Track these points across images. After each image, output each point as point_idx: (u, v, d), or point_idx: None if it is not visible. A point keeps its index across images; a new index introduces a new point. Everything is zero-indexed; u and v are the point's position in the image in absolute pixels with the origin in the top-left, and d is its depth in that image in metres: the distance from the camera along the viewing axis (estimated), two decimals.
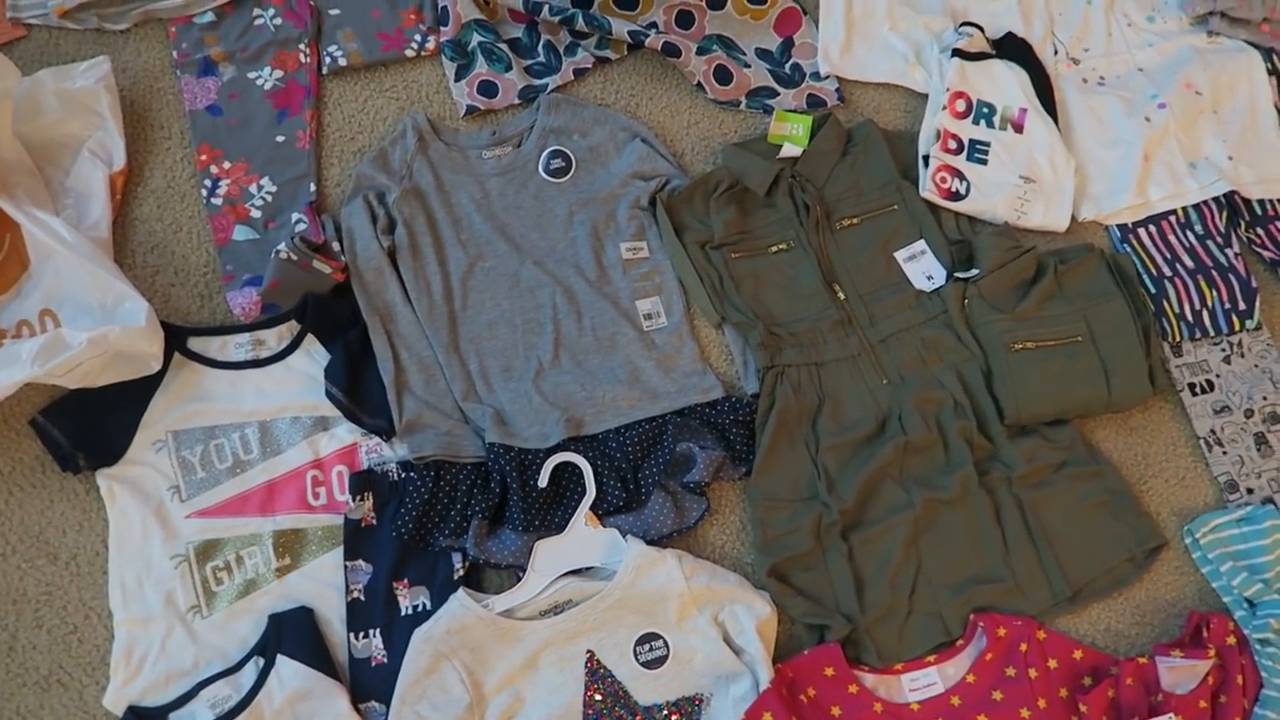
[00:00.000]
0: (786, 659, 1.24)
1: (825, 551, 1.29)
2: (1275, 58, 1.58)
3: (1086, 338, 1.38)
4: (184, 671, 1.18)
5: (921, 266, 1.44)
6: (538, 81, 1.49)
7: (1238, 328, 1.43)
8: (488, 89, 1.47)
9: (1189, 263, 1.47)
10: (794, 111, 1.50)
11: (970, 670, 1.26)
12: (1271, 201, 1.52)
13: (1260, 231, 1.51)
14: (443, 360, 1.33)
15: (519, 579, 1.24)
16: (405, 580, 1.24)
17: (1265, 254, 1.49)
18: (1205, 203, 1.50)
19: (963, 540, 1.31)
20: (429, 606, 1.24)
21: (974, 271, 1.41)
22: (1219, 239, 1.48)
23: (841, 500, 1.30)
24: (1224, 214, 1.49)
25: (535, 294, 1.38)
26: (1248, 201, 1.52)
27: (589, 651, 1.22)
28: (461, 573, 1.24)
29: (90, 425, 1.25)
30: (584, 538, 1.26)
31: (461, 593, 1.22)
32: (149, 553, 1.22)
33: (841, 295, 1.41)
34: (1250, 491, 1.38)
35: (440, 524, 1.24)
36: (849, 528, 1.31)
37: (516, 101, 1.47)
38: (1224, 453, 1.39)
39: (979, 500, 1.32)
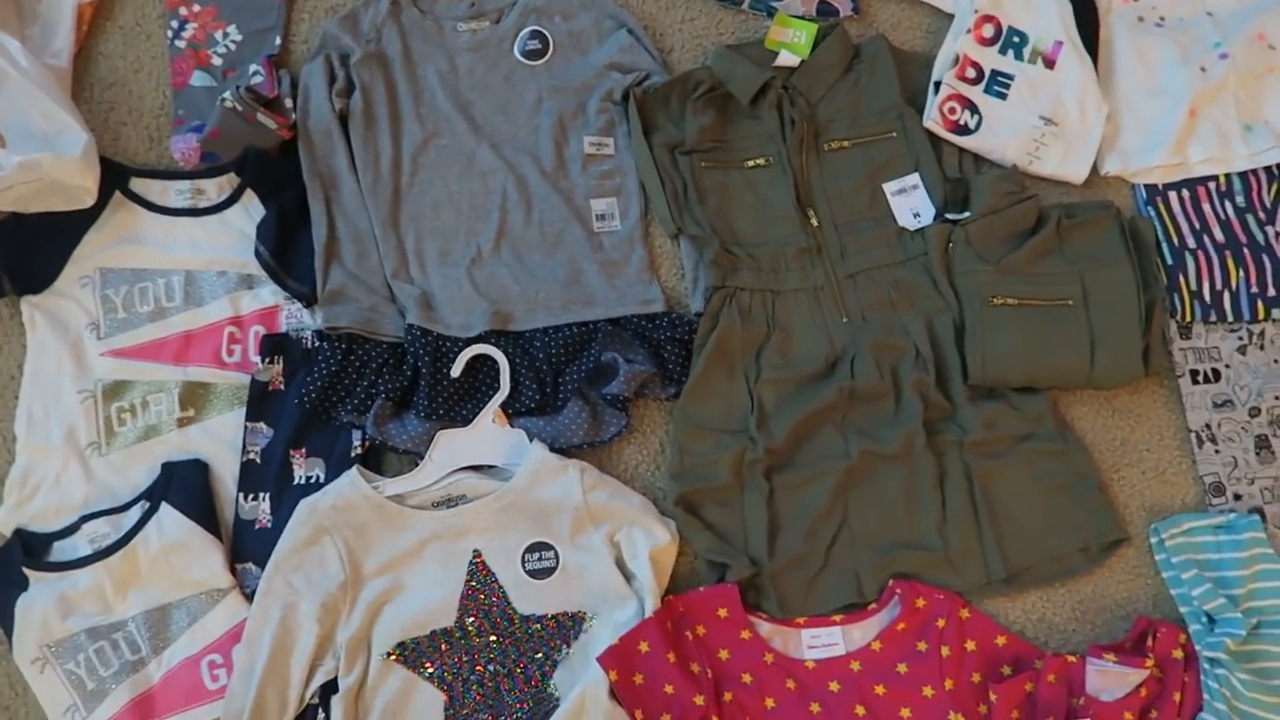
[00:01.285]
0: (683, 593, 1.17)
1: (744, 489, 1.21)
2: None
3: (1079, 303, 1.23)
4: (73, 506, 1.18)
5: (910, 202, 1.31)
6: None
7: (1262, 316, 1.26)
8: None
9: (1219, 236, 1.30)
10: (799, 18, 1.37)
11: (878, 637, 1.17)
12: None
13: None
14: (379, 234, 1.27)
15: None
16: (303, 450, 1.21)
17: None
18: (1254, 172, 1.32)
19: (897, 500, 1.21)
20: (322, 479, 1.20)
21: (966, 215, 1.27)
22: (1262, 214, 1.30)
23: (771, 438, 1.21)
24: (1274, 187, 1.31)
25: (487, 179, 1.30)
26: None
27: (476, 551, 1.17)
28: (360, 451, 1.20)
29: (22, 251, 1.24)
30: (488, 434, 1.20)
31: (354, 471, 1.18)
32: (59, 385, 1.22)
33: (814, 222, 1.30)
34: (1238, 498, 1.23)
35: (345, 398, 1.20)
36: (775, 468, 1.21)
37: None
38: (1216, 451, 1.24)
39: (922, 461, 1.21)
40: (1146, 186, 1.33)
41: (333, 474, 1.20)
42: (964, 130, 1.31)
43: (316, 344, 1.23)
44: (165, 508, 1.16)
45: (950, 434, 1.23)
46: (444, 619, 1.15)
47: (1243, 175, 1.32)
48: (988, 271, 1.24)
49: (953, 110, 1.32)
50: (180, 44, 1.35)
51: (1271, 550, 1.18)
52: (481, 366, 1.23)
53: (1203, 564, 1.18)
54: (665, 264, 1.31)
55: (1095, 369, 1.21)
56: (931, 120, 1.31)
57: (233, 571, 1.16)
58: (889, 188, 1.32)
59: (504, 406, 1.21)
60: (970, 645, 1.16)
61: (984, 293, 1.23)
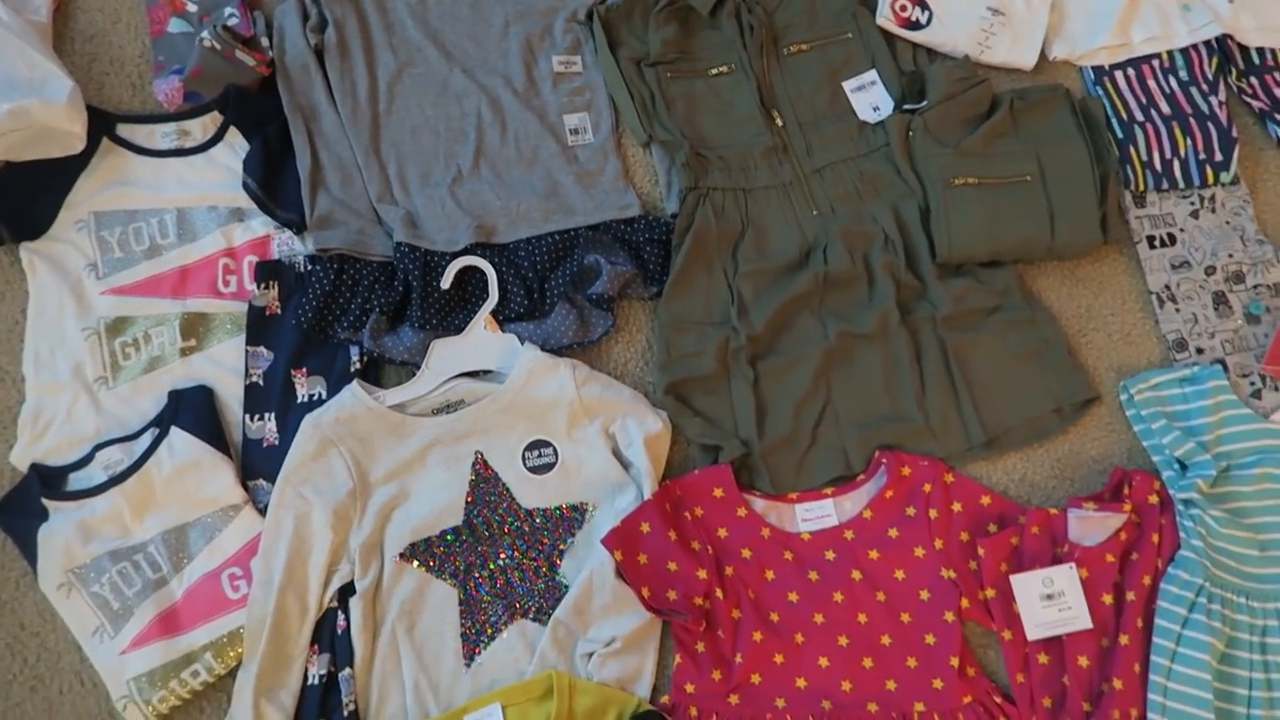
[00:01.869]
0: (679, 477, 1.22)
1: (730, 377, 1.26)
2: None
3: (1036, 178, 1.29)
4: (85, 437, 1.22)
5: (869, 98, 1.36)
6: None
7: (1211, 180, 1.32)
8: None
9: (1166, 109, 1.35)
10: None
11: (868, 506, 1.22)
12: (1270, 51, 1.39)
13: (1254, 81, 1.38)
14: (361, 161, 1.32)
15: None
16: (304, 369, 1.25)
17: (1255, 104, 1.36)
18: (1195, 48, 1.38)
19: (876, 377, 1.26)
20: (324, 396, 1.25)
21: (923, 104, 1.33)
22: (1205, 86, 1.36)
23: (752, 327, 1.26)
24: (1214, 60, 1.37)
25: (461, 102, 1.35)
26: (1244, 50, 1.39)
27: (477, 452, 1.22)
28: (358, 366, 1.25)
29: (17, 200, 1.28)
30: (481, 341, 1.25)
31: (355, 384, 1.22)
32: (63, 325, 1.26)
33: (779, 122, 1.35)
34: (1200, 352, 1.29)
35: (340, 316, 1.24)
36: (758, 355, 1.27)
37: None
38: (1176, 310, 1.30)
39: (898, 338, 1.26)
40: (1094, 68, 1.39)
41: (334, 390, 1.24)
42: (915, 26, 1.37)
43: (309, 267, 1.27)
44: (175, 431, 1.20)
45: (923, 311, 1.28)
46: (452, 519, 1.19)
47: (1184, 51, 1.38)
48: (947, 155, 1.29)
49: (904, 8, 1.37)
50: None
51: (1235, 397, 1.24)
52: (470, 278, 1.28)
53: (1171, 415, 1.24)
54: (639, 172, 1.36)
55: (1056, 239, 1.27)
56: (884, 18, 1.37)
57: (245, 489, 1.20)
58: (848, 85, 1.37)
59: (494, 313, 1.26)
60: (956, 506, 1.21)
61: (945, 175, 1.29)
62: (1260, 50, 1.39)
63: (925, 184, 1.30)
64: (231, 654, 1.13)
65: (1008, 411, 1.25)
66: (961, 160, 1.29)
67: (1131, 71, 1.38)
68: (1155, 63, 1.38)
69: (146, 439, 1.21)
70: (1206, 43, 1.38)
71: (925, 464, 1.23)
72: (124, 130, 1.33)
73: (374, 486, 1.20)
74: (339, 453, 1.20)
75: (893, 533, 1.21)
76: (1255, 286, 1.30)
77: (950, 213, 1.27)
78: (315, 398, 1.25)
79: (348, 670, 1.13)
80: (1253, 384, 1.26)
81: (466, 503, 1.20)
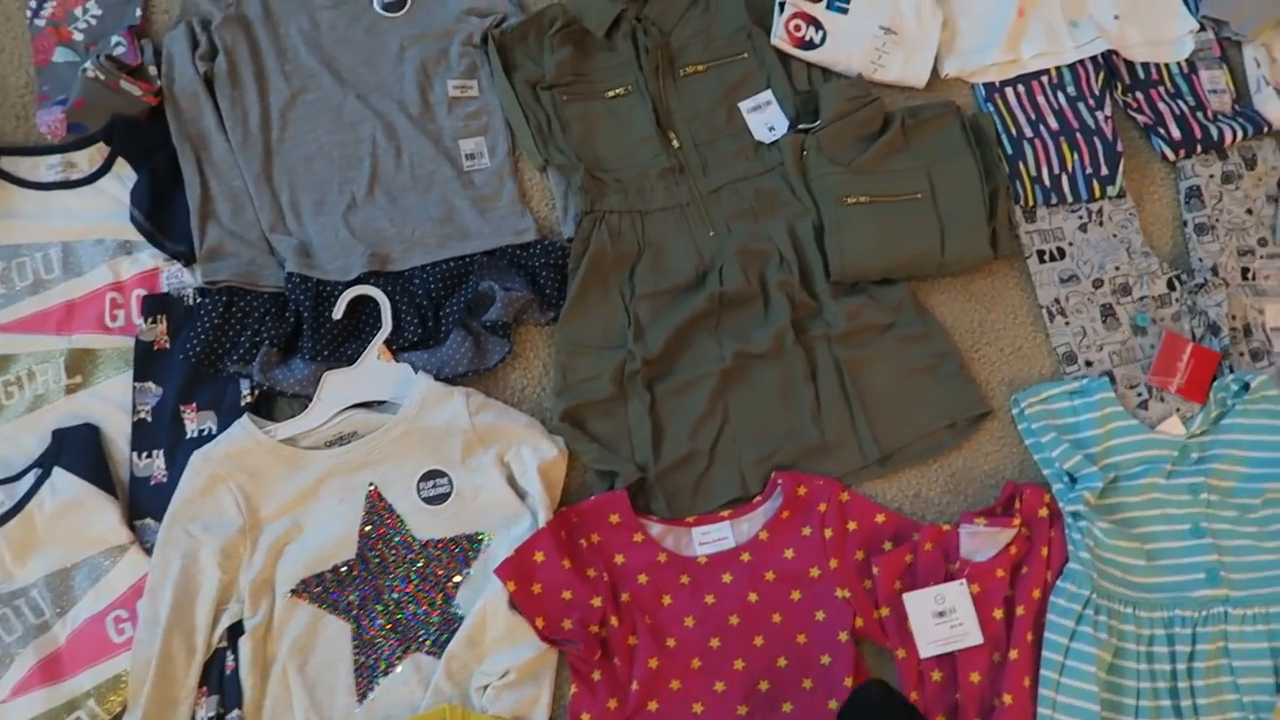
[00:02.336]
0: (575, 504, 1.22)
1: (627, 400, 1.26)
2: None
3: (927, 195, 1.30)
4: None
5: (765, 117, 1.37)
6: None
7: (1098, 194, 1.35)
8: None
9: (1054, 124, 1.38)
10: None
11: (764, 527, 1.23)
12: (1156, 66, 1.42)
13: (1139, 95, 1.40)
14: (253, 190, 1.30)
15: None
16: (193, 404, 1.23)
17: (1140, 118, 1.39)
18: (1082, 63, 1.40)
19: (773, 396, 1.27)
20: (215, 431, 1.23)
21: (817, 124, 1.34)
22: (1091, 101, 1.38)
23: (648, 349, 1.26)
24: (1100, 75, 1.39)
25: (356, 129, 1.34)
26: (1130, 65, 1.42)
27: (371, 484, 1.21)
28: (250, 399, 1.23)
29: None
30: (374, 371, 1.24)
31: (245, 418, 1.20)
32: None
33: (676, 143, 1.35)
34: (1089, 364, 1.31)
35: (230, 349, 1.23)
36: (655, 378, 1.27)
37: None
38: (1066, 323, 1.32)
39: (794, 356, 1.27)
40: (985, 85, 1.40)
41: (224, 425, 1.22)
42: (810, 45, 1.38)
43: (198, 300, 1.25)
44: (57, 471, 1.18)
45: (818, 330, 1.29)
46: (345, 552, 1.18)
47: (1072, 67, 1.40)
48: (839, 173, 1.30)
49: (798, 27, 1.38)
50: (40, 22, 1.36)
51: (1122, 408, 1.26)
52: (364, 307, 1.27)
53: (1061, 428, 1.26)
54: (537, 195, 1.36)
55: (946, 254, 1.28)
56: (779, 38, 1.37)
57: (132, 528, 1.18)
58: (744, 105, 1.38)
59: (388, 343, 1.25)
60: (852, 525, 1.22)
61: (838, 193, 1.30)
62: (1145, 65, 1.42)
63: (819, 202, 1.31)
64: (115, 699, 1.11)
65: (902, 427, 1.26)
66: (854, 179, 1.30)
67: (1021, 88, 1.40)
68: (1044, 79, 1.40)
69: (29, 479, 1.18)
70: (1094, 58, 1.40)
71: (821, 483, 1.23)
72: (7, 163, 1.30)
73: (265, 522, 1.18)
74: (228, 489, 1.18)
75: (789, 553, 1.21)
76: (1141, 298, 1.32)
77: (843, 231, 1.28)
78: (205, 433, 1.23)
79: (236, 712, 1.11)
80: (1140, 395, 1.29)
81: (360, 535, 1.19)
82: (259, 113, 1.33)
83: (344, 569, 1.17)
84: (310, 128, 1.33)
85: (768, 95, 1.38)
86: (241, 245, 1.27)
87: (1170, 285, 1.33)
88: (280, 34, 1.37)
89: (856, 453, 1.25)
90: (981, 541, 1.20)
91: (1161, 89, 1.41)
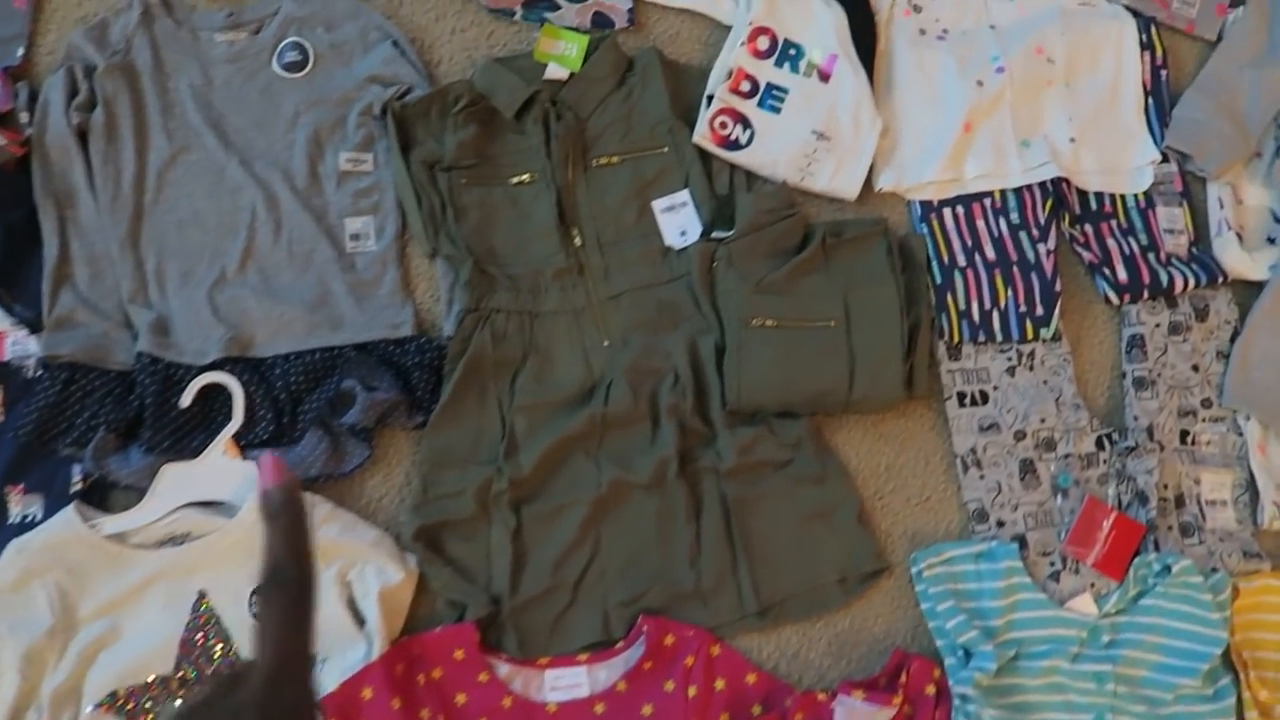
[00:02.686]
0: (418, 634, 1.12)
1: (491, 522, 1.16)
2: (1154, 29, 1.35)
3: (840, 324, 1.19)
4: None
5: (678, 220, 1.27)
6: None
7: (1030, 335, 1.23)
8: None
9: (990, 254, 1.27)
10: (572, 29, 1.32)
11: (624, 677, 1.12)
12: (1110, 197, 1.31)
13: (1087, 229, 1.29)
14: (117, 255, 1.21)
15: None
16: (21, 485, 1.14)
17: (1085, 254, 1.28)
18: (1029, 188, 1.29)
19: (649, 532, 1.16)
20: (40, 517, 1.13)
21: (731, 233, 1.23)
22: (1035, 231, 1.27)
23: (518, 468, 1.16)
24: (1048, 203, 1.28)
25: (236, 196, 1.24)
26: (1082, 194, 1.31)
27: (201, 592, 1.11)
28: (80, 486, 1.14)
29: None
30: (217, 467, 1.14)
31: (71, 508, 1.11)
32: None
33: (578, 241, 1.25)
34: (1001, 525, 1.19)
35: (66, 430, 1.13)
36: (523, 500, 1.17)
37: None
38: (981, 476, 1.21)
39: (676, 490, 1.16)
40: (922, 203, 1.29)
41: (51, 511, 1.13)
42: (735, 145, 1.27)
43: (38, 373, 1.16)
44: None
45: (707, 461, 1.19)
46: (161, 664, 1.08)
47: (1018, 191, 1.29)
48: (747, 291, 1.20)
49: (724, 125, 1.28)
50: None
51: (1029, 579, 1.15)
52: (216, 397, 1.17)
53: (961, 594, 1.15)
54: (423, 284, 1.26)
55: (854, 393, 1.18)
56: (701, 135, 1.27)
57: None
58: (657, 205, 1.27)
59: (237, 437, 1.15)
60: (720, 684, 1.12)
61: (743, 313, 1.19)
62: (1098, 195, 1.30)
63: (723, 321, 1.21)
64: None
65: (787, 578, 1.16)
66: (762, 298, 1.20)
67: (961, 209, 1.29)
68: (987, 202, 1.29)
69: None
70: (1042, 184, 1.29)
71: (691, 634, 1.13)
72: None
73: (80, 624, 1.09)
74: (42, 584, 1.08)
75: (647, 709, 1.11)
76: (1066, 456, 1.21)
77: (743, 355, 1.18)
78: (30, 518, 1.13)
79: None
80: (1053, 564, 1.18)
81: (180, 647, 1.09)
82: (134, 171, 1.23)
83: (158, 683, 1.08)
84: (187, 191, 1.24)
85: (684, 196, 1.27)
86: (94, 316, 1.18)
87: (1099, 444, 1.22)
88: (169, 87, 1.27)
89: (735, 602, 1.15)
90: (857, 718, 1.09)
91: (1113, 223, 1.29)
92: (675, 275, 1.24)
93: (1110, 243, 1.28)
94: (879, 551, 1.18)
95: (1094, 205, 1.30)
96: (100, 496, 1.16)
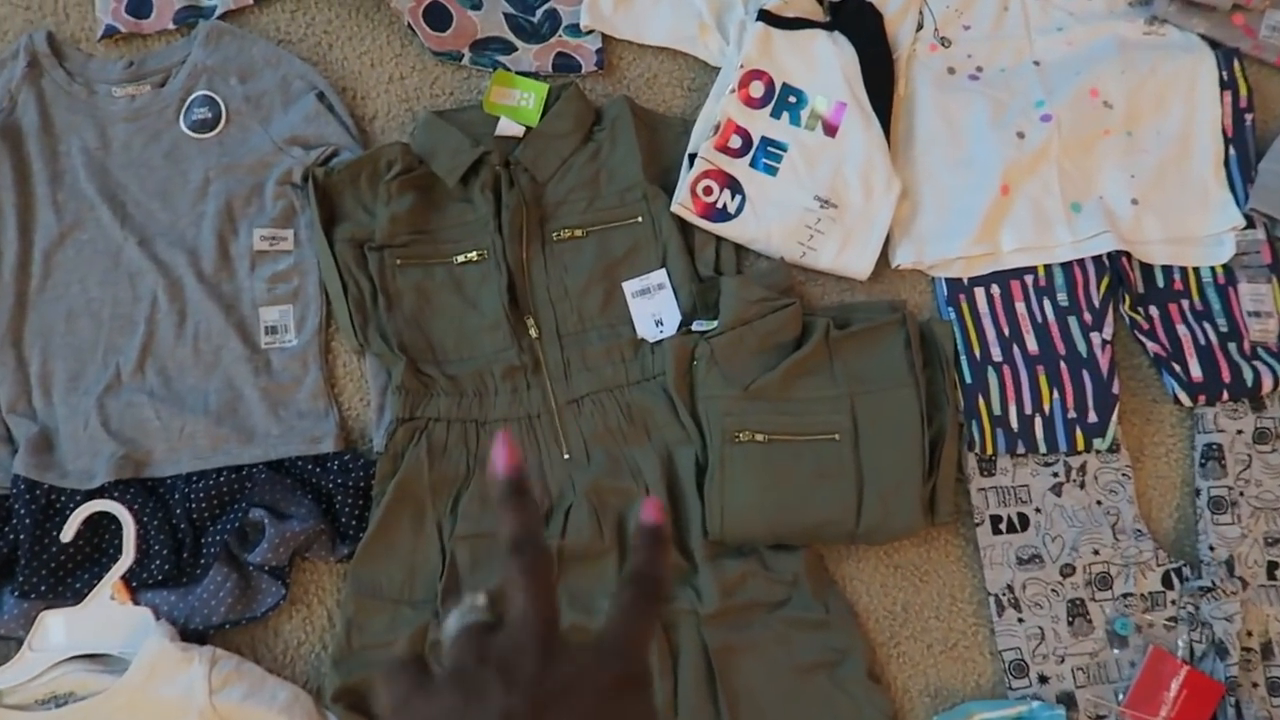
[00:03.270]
0: None
1: None
2: (1237, 63, 1.11)
3: (846, 437, 0.99)
4: None
5: (653, 306, 1.07)
6: (205, 3, 1.15)
7: (1081, 446, 1.02)
8: (139, 6, 1.14)
9: (1033, 346, 1.05)
10: (529, 75, 1.12)
11: None
12: (1181, 271, 1.08)
13: (1153, 312, 1.06)
14: None
15: None
16: None
17: (1150, 345, 1.05)
18: (1080, 263, 1.07)
19: None
20: None
21: (714, 324, 1.03)
22: (1088, 317, 1.05)
23: None
24: (1104, 282, 1.06)
25: (135, 282, 1.06)
26: (1147, 269, 1.08)
27: None
28: None
29: None
30: (104, 614, 0.97)
31: None
32: None
33: (533, 332, 1.05)
34: (1044, 680, 0.98)
35: None
36: None
37: (172, 26, 1.14)
38: (1020, 620, 1.00)
39: None
40: (949, 281, 1.08)
41: None
42: (722, 215, 1.07)
43: None
44: None
45: (685, 602, 0.99)
46: None
47: (1066, 267, 1.07)
48: (733, 398, 1.00)
49: (709, 190, 1.07)
50: None
51: None
52: (106, 526, 1.00)
53: None
54: (350, 386, 1.07)
55: (862, 523, 0.97)
56: (680, 204, 1.06)
57: None
58: (629, 287, 1.07)
59: (127, 577, 0.98)
60: None
61: (727, 425, 0.99)
62: (1166, 270, 1.08)
63: (704, 432, 1.01)
64: None
65: None
66: (750, 407, 0.99)
67: (996, 289, 1.07)
68: (1029, 279, 1.07)
69: None
70: (1096, 258, 1.06)
71: None
72: None
73: None
74: None
75: None
76: (1125, 596, 0.99)
77: (727, 477, 0.98)
78: None
79: None
80: None
81: None
82: (16, 253, 1.06)
83: None
84: (79, 276, 1.06)
85: (660, 276, 1.07)
86: None
87: (1167, 581, 1.00)
88: (59, 151, 1.09)
89: None
90: None
91: (1185, 305, 1.06)
92: (647, 375, 1.04)
93: (1181, 330, 1.05)
94: (893, 713, 0.97)
95: (1161, 282, 1.07)
96: None
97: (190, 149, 1.11)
